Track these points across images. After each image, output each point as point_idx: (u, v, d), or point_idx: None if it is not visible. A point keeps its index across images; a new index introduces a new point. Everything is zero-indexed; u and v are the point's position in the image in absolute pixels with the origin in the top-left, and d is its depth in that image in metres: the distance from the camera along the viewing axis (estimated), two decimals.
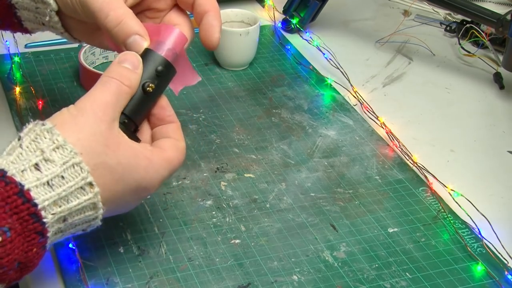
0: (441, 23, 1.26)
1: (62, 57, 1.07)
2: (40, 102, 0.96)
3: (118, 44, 0.71)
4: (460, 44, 1.19)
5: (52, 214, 0.61)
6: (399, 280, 0.75)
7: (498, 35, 1.09)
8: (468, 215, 0.83)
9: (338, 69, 1.08)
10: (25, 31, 0.82)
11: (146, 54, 0.69)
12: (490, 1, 1.27)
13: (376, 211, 0.84)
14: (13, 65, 1.03)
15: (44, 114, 0.93)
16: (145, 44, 0.70)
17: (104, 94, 0.66)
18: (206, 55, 1.11)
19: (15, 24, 0.81)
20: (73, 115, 0.64)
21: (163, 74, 0.69)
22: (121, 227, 0.79)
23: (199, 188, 0.85)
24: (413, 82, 1.11)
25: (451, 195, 0.86)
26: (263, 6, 1.26)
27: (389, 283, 0.75)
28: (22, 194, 0.59)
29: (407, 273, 0.76)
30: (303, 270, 0.76)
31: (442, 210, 0.85)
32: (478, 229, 0.82)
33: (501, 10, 1.13)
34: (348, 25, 1.26)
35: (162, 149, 0.69)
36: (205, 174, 0.88)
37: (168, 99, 0.72)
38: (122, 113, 0.67)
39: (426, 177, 0.89)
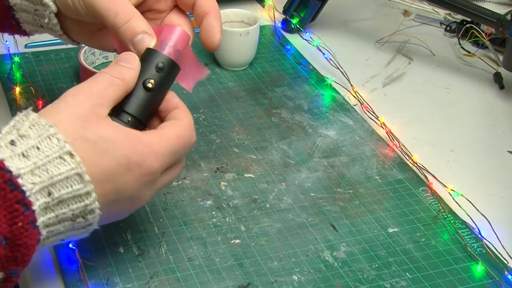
0: (441, 23, 1.26)
1: (62, 57, 1.07)
2: (40, 102, 0.96)
3: (125, 42, 0.70)
4: (460, 44, 1.19)
5: (32, 183, 0.59)
6: (399, 280, 0.75)
7: (498, 35, 1.09)
8: (468, 215, 0.83)
9: (338, 69, 1.08)
10: (23, 33, 0.82)
11: (146, 53, 0.69)
12: (490, 1, 1.27)
13: (376, 211, 0.84)
14: (13, 65, 1.03)
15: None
16: (152, 42, 0.70)
17: (91, 84, 0.65)
18: (206, 55, 1.11)
19: (14, 26, 0.81)
20: (54, 103, 0.64)
21: (164, 70, 0.69)
22: (121, 227, 0.79)
23: (199, 188, 0.86)
24: (413, 82, 1.11)
25: (451, 195, 0.86)
26: (263, 6, 1.26)
27: (389, 283, 0.75)
28: None
29: (407, 273, 0.76)
30: (303, 270, 0.76)
31: (442, 210, 0.85)
32: (478, 229, 0.82)
33: (501, 10, 1.13)
34: (348, 25, 1.26)
35: (157, 128, 0.68)
36: (205, 174, 0.88)
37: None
38: (125, 112, 0.67)
39: (426, 177, 0.89)
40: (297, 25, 1.17)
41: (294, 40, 1.17)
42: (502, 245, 0.80)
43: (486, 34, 1.15)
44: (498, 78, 1.11)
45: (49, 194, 0.60)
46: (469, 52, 1.18)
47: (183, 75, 0.73)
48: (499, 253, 0.79)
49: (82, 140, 0.62)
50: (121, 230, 0.78)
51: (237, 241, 0.79)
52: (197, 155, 0.90)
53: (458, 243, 0.81)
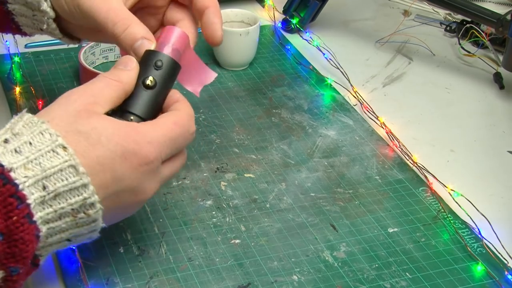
0: (441, 23, 1.26)
1: (62, 57, 1.07)
2: (40, 102, 0.96)
3: (126, 49, 0.71)
4: (460, 44, 1.19)
5: (25, 177, 0.58)
6: (399, 280, 0.75)
7: (498, 35, 1.09)
8: (468, 215, 0.83)
9: (338, 69, 1.08)
10: (24, 34, 0.82)
11: (145, 54, 0.70)
12: (490, 1, 1.27)
13: (376, 211, 0.84)
14: (13, 65, 1.03)
15: None
16: (152, 46, 0.70)
17: (86, 85, 0.66)
18: (206, 55, 1.11)
19: (14, 29, 0.81)
20: (49, 105, 0.64)
21: (162, 67, 0.69)
22: (121, 227, 0.79)
23: (199, 188, 0.86)
24: (413, 82, 1.11)
25: (451, 195, 0.86)
26: (263, 6, 1.26)
27: (389, 283, 0.75)
28: None
29: (407, 273, 0.76)
30: (303, 270, 0.76)
31: (442, 210, 0.85)
32: (478, 229, 0.82)
33: (501, 10, 1.13)
34: (348, 25, 1.26)
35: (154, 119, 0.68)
36: (205, 174, 0.88)
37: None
38: (127, 111, 0.67)
39: (426, 177, 0.89)
40: (297, 25, 1.17)
41: (294, 40, 1.17)
42: (502, 245, 0.80)
43: (486, 34, 1.15)
44: (498, 78, 1.11)
45: (44, 188, 0.59)
46: (469, 52, 1.18)
47: (189, 79, 0.74)
48: (499, 253, 0.79)
49: (74, 133, 0.62)
50: (121, 230, 0.78)
51: (237, 241, 0.79)
52: (197, 155, 0.90)
53: (458, 243, 0.81)
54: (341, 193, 0.87)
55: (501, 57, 1.11)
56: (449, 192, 0.86)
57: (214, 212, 0.82)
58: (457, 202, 0.85)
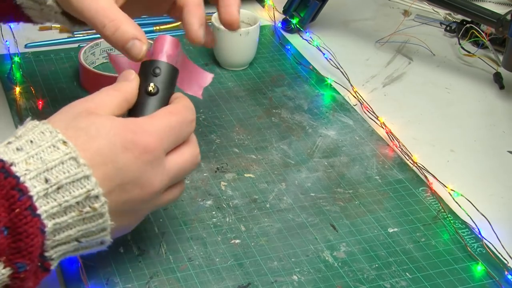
0: (441, 23, 1.26)
1: (62, 57, 1.07)
2: (40, 102, 0.96)
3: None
4: (460, 44, 1.19)
5: (26, 170, 0.59)
6: (399, 280, 0.75)
7: (498, 35, 1.09)
8: (468, 215, 0.83)
9: (338, 69, 1.08)
10: (38, 23, 0.83)
11: (142, 66, 0.72)
12: (490, 1, 1.27)
13: (376, 211, 0.84)
14: (13, 65, 1.03)
15: (44, 114, 0.92)
16: (144, 47, 0.70)
17: (87, 96, 0.67)
18: (206, 55, 1.11)
19: (26, 19, 0.83)
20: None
21: (161, 73, 0.71)
22: None
23: (199, 188, 0.86)
24: (413, 82, 1.11)
25: (451, 195, 0.86)
26: (263, 6, 1.26)
27: (389, 283, 0.75)
28: None
29: (407, 273, 0.76)
30: (303, 270, 0.76)
31: (442, 210, 0.85)
32: (478, 229, 0.82)
33: (501, 10, 1.13)
34: (348, 25, 1.26)
35: None
36: (205, 174, 0.88)
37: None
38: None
39: (426, 177, 0.89)
40: (297, 25, 1.17)
41: (294, 40, 1.17)
42: (502, 245, 0.80)
43: (486, 34, 1.15)
44: (498, 78, 1.11)
45: (46, 180, 0.60)
46: (469, 52, 1.18)
47: (187, 83, 0.76)
48: (499, 253, 0.79)
49: (74, 129, 0.63)
50: None
51: (237, 241, 0.79)
52: None
53: (458, 243, 0.81)
54: (341, 193, 0.87)
55: (501, 57, 1.11)
56: (449, 192, 0.86)
57: (214, 212, 0.82)
58: (457, 202, 0.85)
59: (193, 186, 0.86)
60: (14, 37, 1.09)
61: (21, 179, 0.59)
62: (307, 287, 0.74)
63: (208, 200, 0.84)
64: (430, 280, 0.76)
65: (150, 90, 0.69)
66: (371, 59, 1.16)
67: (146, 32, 0.74)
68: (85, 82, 1.01)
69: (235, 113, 0.99)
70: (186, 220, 0.81)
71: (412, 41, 1.20)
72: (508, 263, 0.78)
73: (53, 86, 1.01)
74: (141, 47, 0.70)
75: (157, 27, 1.16)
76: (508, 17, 1.05)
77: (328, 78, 1.06)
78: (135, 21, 0.72)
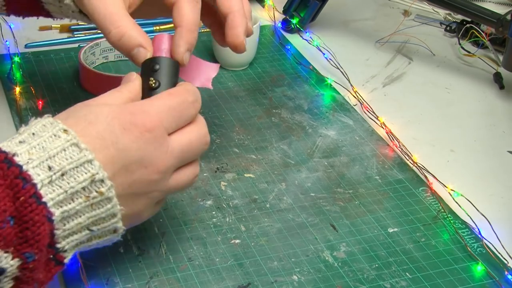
0: (441, 23, 1.26)
1: (62, 57, 1.07)
2: (40, 102, 0.96)
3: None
4: (460, 44, 1.19)
5: (29, 159, 0.60)
6: (399, 280, 0.75)
7: (498, 35, 1.09)
8: (468, 215, 0.83)
9: (338, 69, 1.08)
10: (58, 18, 0.85)
11: (143, 65, 0.72)
12: (490, 1, 1.27)
13: (376, 211, 0.84)
14: (13, 65, 1.03)
15: (44, 114, 0.92)
16: (148, 54, 0.72)
17: (92, 99, 0.68)
18: (206, 55, 1.11)
19: (45, 14, 0.85)
20: None
21: (161, 68, 0.71)
22: None
23: (199, 188, 0.86)
24: (413, 82, 1.11)
25: (451, 195, 0.86)
26: (263, 6, 1.26)
27: (389, 283, 0.75)
28: None
29: (407, 273, 0.76)
30: (303, 270, 0.76)
31: (442, 210, 0.85)
32: (478, 229, 0.82)
33: (501, 10, 1.13)
34: (348, 25, 1.26)
35: None
36: (205, 174, 0.88)
37: None
38: None
39: (426, 177, 0.89)
40: (297, 25, 1.17)
41: (294, 40, 1.17)
42: (502, 245, 0.80)
43: (486, 34, 1.15)
44: (498, 78, 1.11)
45: (50, 168, 0.60)
46: (469, 52, 1.18)
47: (194, 77, 0.76)
48: (499, 253, 0.79)
49: (73, 118, 0.64)
50: None
51: (237, 241, 0.79)
52: None
53: (458, 243, 0.81)
54: (341, 193, 0.87)
55: (501, 57, 1.11)
56: (449, 192, 0.86)
57: (214, 212, 0.82)
58: (457, 202, 0.85)
59: (193, 186, 0.86)
60: (14, 37, 1.09)
61: (24, 167, 0.59)
62: (307, 287, 0.74)
63: (208, 200, 0.84)
64: (430, 280, 0.76)
65: (152, 85, 0.70)
66: (371, 59, 1.16)
67: (146, 32, 0.74)
68: (85, 82, 1.01)
69: (235, 113, 0.99)
70: (186, 220, 0.81)
71: (412, 41, 1.20)
72: (508, 263, 0.78)
73: (53, 86, 1.01)
74: (145, 54, 0.72)
75: (157, 27, 1.16)
76: (508, 17, 1.05)
77: (328, 78, 1.06)
78: (135, 21, 0.73)
